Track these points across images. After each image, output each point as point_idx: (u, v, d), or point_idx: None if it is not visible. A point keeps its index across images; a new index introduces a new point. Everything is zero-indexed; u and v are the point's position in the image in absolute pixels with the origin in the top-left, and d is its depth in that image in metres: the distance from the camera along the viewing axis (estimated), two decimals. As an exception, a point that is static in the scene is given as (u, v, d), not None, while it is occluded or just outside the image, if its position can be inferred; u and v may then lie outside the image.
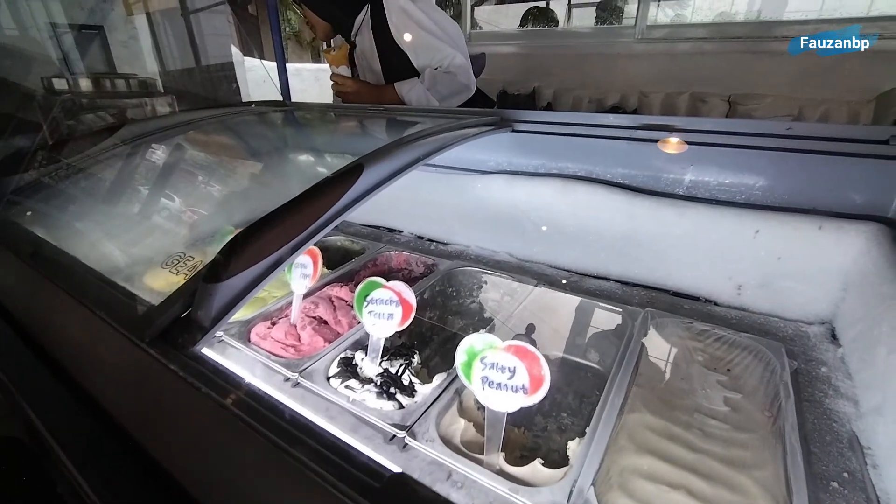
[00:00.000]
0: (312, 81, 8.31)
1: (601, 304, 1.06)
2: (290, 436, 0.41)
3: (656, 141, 1.06)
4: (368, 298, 0.85)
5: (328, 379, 0.83)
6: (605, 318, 1.06)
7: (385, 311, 0.84)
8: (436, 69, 1.68)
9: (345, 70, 1.81)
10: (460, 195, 1.36)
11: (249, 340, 0.95)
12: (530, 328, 1.09)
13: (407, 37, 1.67)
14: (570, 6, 4.60)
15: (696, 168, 1.06)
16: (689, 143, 1.03)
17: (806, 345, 0.90)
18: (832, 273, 0.92)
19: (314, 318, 1.04)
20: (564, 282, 1.19)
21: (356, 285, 0.88)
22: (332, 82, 1.79)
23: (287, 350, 0.94)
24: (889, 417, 0.64)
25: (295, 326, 1.00)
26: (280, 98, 3.16)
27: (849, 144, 0.89)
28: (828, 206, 0.96)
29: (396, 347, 0.94)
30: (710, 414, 0.75)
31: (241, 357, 0.89)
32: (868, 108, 2.18)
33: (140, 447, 0.50)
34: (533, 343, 1.07)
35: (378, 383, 0.81)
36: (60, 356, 0.62)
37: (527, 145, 1.26)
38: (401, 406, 0.77)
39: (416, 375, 0.86)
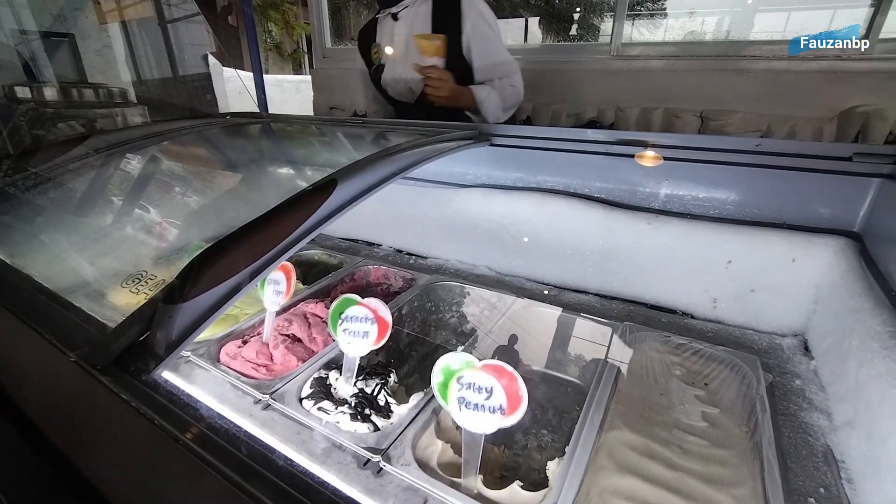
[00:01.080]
0: (293, 93, 8.28)
1: (581, 317, 1.06)
2: (247, 471, 0.38)
3: (632, 156, 1.07)
4: (343, 316, 0.82)
5: (301, 400, 0.80)
6: (585, 331, 1.05)
7: (360, 328, 0.81)
8: (501, 79, 1.69)
9: (436, 62, 1.66)
10: (439, 209, 1.35)
11: (219, 360, 0.91)
12: (513, 339, 1.08)
13: (480, 42, 1.66)
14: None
15: (671, 182, 1.08)
16: (664, 158, 1.04)
17: (780, 357, 0.91)
18: (803, 286, 0.94)
19: (288, 335, 1.00)
20: (546, 292, 1.18)
21: (333, 301, 0.86)
22: (417, 72, 1.63)
23: (258, 370, 0.90)
24: (861, 431, 0.64)
25: (267, 345, 0.96)
26: (257, 109, 3.12)
27: (815, 161, 0.92)
28: (797, 221, 0.98)
29: (373, 366, 0.91)
30: (688, 430, 0.74)
31: (209, 379, 0.85)
32: (831, 125, 2.27)
33: (91, 486, 0.47)
34: (516, 354, 1.06)
35: (353, 404, 0.78)
36: (5, 384, 0.58)
37: (505, 159, 1.27)
38: (376, 428, 0.74)
39: (394, 395, 0.84)
